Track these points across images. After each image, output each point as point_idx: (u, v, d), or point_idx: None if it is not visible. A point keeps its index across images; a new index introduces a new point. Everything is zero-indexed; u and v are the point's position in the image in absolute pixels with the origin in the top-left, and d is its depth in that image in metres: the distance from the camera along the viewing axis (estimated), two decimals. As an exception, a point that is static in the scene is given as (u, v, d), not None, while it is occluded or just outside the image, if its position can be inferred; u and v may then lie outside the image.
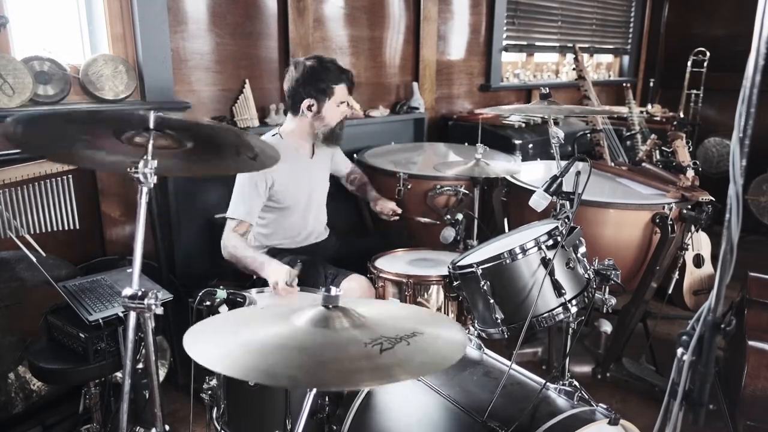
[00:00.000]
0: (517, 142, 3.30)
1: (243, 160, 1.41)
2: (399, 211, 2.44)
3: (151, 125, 1.17)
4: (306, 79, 2.14)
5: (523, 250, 1.63)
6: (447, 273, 1.83)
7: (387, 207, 2.44)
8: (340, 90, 2.17)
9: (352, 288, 1.95)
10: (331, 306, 1.08)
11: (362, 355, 0.96)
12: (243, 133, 1.37)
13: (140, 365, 1.59)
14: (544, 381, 1.39)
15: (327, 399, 1.51)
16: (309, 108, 2.17)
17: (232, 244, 2.06)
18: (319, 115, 2.18)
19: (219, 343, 1.03)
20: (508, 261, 1.64)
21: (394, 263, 2.08)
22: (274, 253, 2.22)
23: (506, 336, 1.66)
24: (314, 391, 1.08)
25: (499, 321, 1.65)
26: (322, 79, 2.13)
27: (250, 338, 1.02)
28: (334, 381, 0.92)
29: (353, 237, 2.50)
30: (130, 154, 1.25)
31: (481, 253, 1.83)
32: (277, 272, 1.85)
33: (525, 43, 4.40)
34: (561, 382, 1.39)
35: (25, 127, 1.24)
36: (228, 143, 1.38)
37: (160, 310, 1.16)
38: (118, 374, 1.90)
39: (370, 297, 1.98)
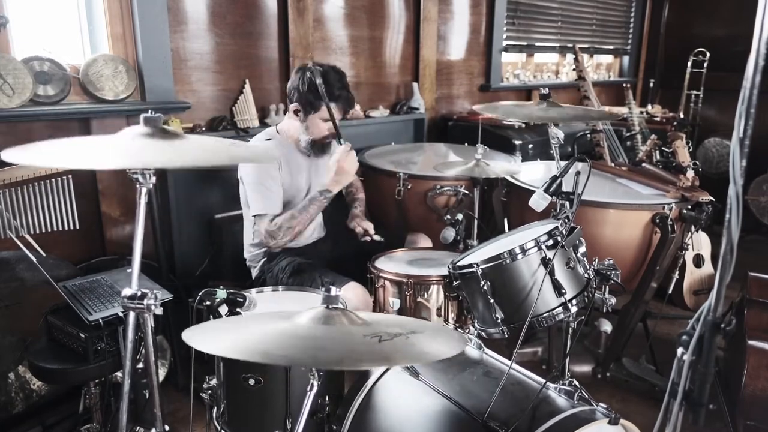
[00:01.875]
0: (517, 142, 3.30)
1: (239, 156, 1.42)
2: (372, 234, 2.30)
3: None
4: (301, 85, 2.12)
5: (523, 250, 1.63)
6: (447, 273, 1.83)
7: (362, 226, 2.32)
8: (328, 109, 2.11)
9: (348, 297, 1.93)
10: (330, 306, 1.08)
11: (361, 343, 0.96)
12: (237, 153, 1.39)
13: (140, 365, 1.58)
14: (544, 381, 1.39)
15: (327, 399, 1.51)
16: (296, 113, 2.18)
17: (270, 236, 2.09)
18: (305, 124, 2.19)
19: (218, 332, 1.04)
20: (508, 261, 1.63)
21: (394, 263, 2.08)
22: (275, 254, 2.22)
23: (506, 336, 1.66)
24: (314, 390, 1.07)
25: (499, 321, 1.65)
26: (312, 92, 2.09)
27: (250, 329, 1.03)
28: (332, 362, 0.92)
29: (352, 237, 2.50)
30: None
31: (481, 253, 1.83)
32: (339, 172, 2.09)
33: (525, 43, 4.40)
34: (561, 382, 1.39)
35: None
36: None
37: (159, 310, 1.16)
38: (118, 374, 1.90)
39: (368, 306, 1.98)
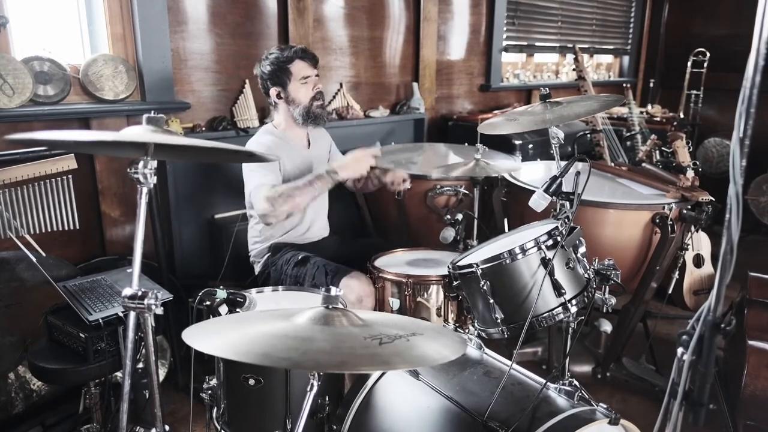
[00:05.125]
0: (517, 142, 3.30)
1: (240, 156, 1.42)
2: (407, 178, 2.36)
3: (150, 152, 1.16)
4: (265, 70, 2.22)
5: (523, 250, 1.63)
6: (447, 273, 1.83)
7: (398, 175, 2.34)
8: (297, 66, 2.20)
9: (351, 286, 1.95)
10: (330, 306, 1.08)
11: (362, 345, 0.96)
12: (241, 151, 1.39)
13: (140, 365, 1.59)
14: (544, 381, 1.39)
15: (327, 399, 1.51)
16: (278, 96, 2.23)
17: (269, 202, 2.01)
18: (290, 99, 2.23)
19: (218, 332, 1.04)
20: (507, 261, 1.63)
21: (394, 263, 2.08)
22: (279, 247, 2.22)
23: (506, 336, 1.66)
24: (314, 390, 1.08)
25: (499, 321, 1.65)
26: (276, 64, 2.19)
27: (250, 330, 1.03)
28: (333, 364, 0.92)
29: (353, 237, 2.50)
30: (129, 149, 1.26)
31: (481, 253, 1.83)
32: (354, 161, 2.11)
33: (525, 43, 4.40)
34: (561, 382, 1.39)
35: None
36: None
37: (160, 310, 1.17)
38: (118, 374, 1.90)
39: (370, 295, 1.98)
